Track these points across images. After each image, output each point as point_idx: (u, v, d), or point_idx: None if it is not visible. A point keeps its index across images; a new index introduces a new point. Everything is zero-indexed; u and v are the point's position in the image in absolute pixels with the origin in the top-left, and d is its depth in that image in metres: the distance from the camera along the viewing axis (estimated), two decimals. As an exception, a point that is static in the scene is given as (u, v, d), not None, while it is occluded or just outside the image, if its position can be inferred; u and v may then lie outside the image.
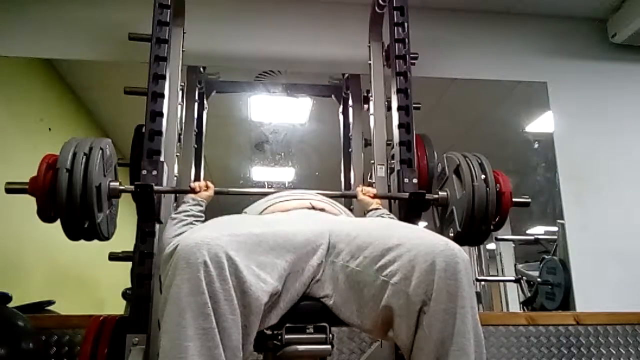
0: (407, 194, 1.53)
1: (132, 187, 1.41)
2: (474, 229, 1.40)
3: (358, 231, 1.09)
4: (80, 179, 1.22)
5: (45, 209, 1.23)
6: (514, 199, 1.44)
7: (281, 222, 1.17)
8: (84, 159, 1.24)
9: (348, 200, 2.15)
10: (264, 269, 0.96)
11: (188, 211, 1.41)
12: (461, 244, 1.45)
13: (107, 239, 1.37)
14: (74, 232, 1.27)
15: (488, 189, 1.39)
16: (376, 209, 1.57)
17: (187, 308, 0.85)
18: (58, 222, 1.26)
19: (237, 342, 0.89)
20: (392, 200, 1.68)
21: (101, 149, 1.28)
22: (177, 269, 0.88)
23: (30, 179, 1.24)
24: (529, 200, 1.52)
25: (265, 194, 1.47)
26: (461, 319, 0.91)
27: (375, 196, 1.61)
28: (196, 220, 1.40)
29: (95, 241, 1.34)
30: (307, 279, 1.05)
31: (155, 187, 1.42)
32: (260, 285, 0.93)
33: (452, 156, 1.49)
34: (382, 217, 1.54)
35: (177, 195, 1.73)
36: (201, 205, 1.46)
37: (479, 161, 1.45)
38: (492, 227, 1.43)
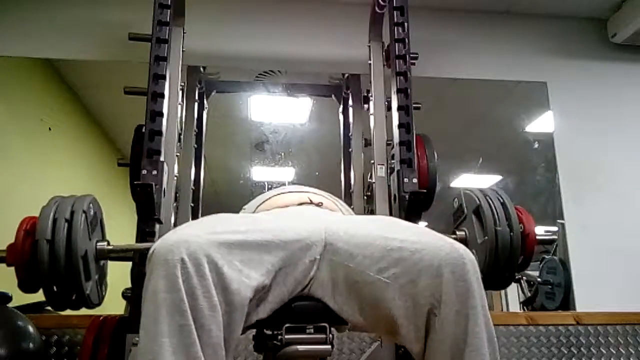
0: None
1: (121, 245, 1.32)
2: (497, 275, 1.31)
3: (357, 229, 1.08)
4: (63, 250, 1.09)
5: (27, 281, 1.11)
6: (538, 237, 1.34)
7: (272, 219, 1.16)
8: (65, 226, 1.11)
9: (348, 197, 2.16)
10: (248, 264, 0.95)
11: None
12: (485, 289, 1.41)
13: (98, 305, 1.28)
14: (60, 305, 1.16)
15: (512, 234, 1.29)
16: None
17: (163, 304, 0.85)
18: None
19: (217, 339, 0.88)
20: (392, 200, 1.68)
21: (84, 211, 1.16)
22: (154, 267, 0.88)
23: (7, 247, 1.12)
24: (555, 237, 1.43)
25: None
26: (474, 320, 0.91)
27: None
28: None
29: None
30: (300, 275, 1.03)
31: (147, 245, 1.30)
32: (243, 281, 0.92)
33: (471, 194, 1.39)
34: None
35: (177, 194, 1.73)
36: None
37: (501, 200, 1.34)
38: (516, 271, 1.34)
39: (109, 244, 1.28)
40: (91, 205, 1.21)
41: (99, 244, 1.24)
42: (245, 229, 1.00)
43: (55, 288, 1.12)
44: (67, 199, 1.18)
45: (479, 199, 1.35)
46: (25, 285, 1.13)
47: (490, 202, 1.34)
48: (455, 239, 1.40)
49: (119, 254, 1.47)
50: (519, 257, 1.31)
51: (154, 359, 0.83)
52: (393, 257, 0.99)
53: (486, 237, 1.30)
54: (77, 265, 1.11)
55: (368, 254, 1.02)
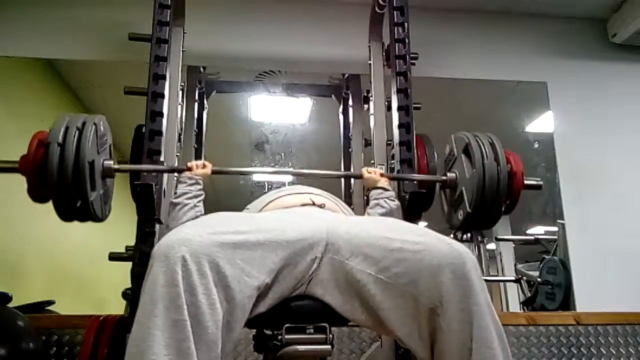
0: (414, 175, 1.51)
1: (127, 166, 1.39)
2: (484, 210, 1.34)
3: (357, 230, 1.08)
4: (73, 154, 1.16)
5: (37, 187, 1.17)
6: (525, 181, 1.37)
7: (274, 219, 1.16)
8: (76, 134, 1.18)
9: (348, 197, 2.16)
10: (250, 263, 0.96)
11: (188, 193, 1.36)
12: (471, 226, 1.42)
13: (101, 220, 1.32)
14: (66, 212, 1.22)
15: (499, 167, 1.32)
16: (384, 188, 1.51)
17: (160, 298, 0.86)
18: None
19: (213, 336, 0.88)
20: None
21: (94, 124, 1.23)
22: (155, 262, 0.89)
23: (20, 157, 1.19)
24: (541, 183, 1.45)
25: (263, 173, 1.41)
26: (479, 315, 0.92)
27: (382, 175, 1.55)
28: (198, 202, 1.36)
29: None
30: (300, 274, 1.04)
31: (150, 167, 1.39)
32: (244, 279, 0.93)
33: (461, 135, 1.42)
34: (382, 205, 1.48)
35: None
36: (199, 184, 1.40)
37: (490, 140, 1.38)
38: (503, 209, 1.36)
39: (115, 163, 1.33)
40: (102, 122, 1.29)
41: (105, 161, 1.30)
42: (247, 229, 1.01)
43: (61, 194, 1.17)
44: (79, 115, 1.24)
45: (468, 138, 1.39)
46: (35, 192, 1.18)
47: (479, 140, 1.37)
48: (445, 180, 1.45)
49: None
50: (505, 193, 1.33)
51: (144, 351, 0.83)
52: (394, 257, 1.00)
53: (474, 170, 1.33)
54: (84, 172, 1.17)
55: (369, 253, 1.02)
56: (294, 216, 1.18)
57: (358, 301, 1.03)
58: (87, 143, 1.19)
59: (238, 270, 0.93)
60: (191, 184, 1.40)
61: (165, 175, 1.57)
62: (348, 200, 2.14)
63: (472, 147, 1.36)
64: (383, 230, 1.08)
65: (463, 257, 0.96)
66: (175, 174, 1.74)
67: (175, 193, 1.39)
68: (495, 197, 1.32)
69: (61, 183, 1.16)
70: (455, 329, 0.92)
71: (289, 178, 2.41)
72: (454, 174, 1.46)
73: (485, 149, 1.35)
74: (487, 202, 1.33)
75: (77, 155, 1.17)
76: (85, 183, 1.18)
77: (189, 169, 1.44)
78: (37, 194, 1.19)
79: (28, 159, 1.17)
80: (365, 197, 2.07)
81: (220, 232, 0.96)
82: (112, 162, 1.33)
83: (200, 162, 1.46)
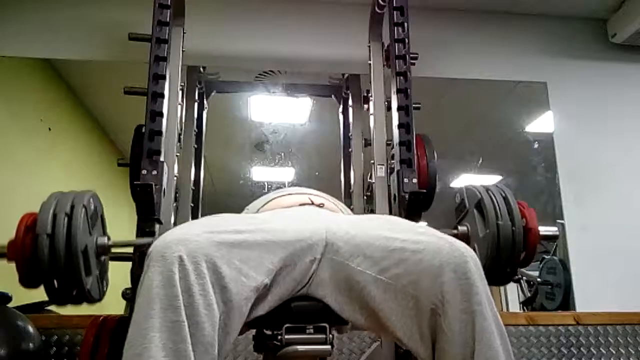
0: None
1: (122, 241, 1.34)
2: (499, 269, 1.29)
3: (357, 229, 1.08)
4: (63, 245, 1.09)
5: (28, 276, 1.11)
6: (541, 233, 1.31)
7: (273, 219, 1.16)
8: (65, 221, 1.11)
9: (348, 197, 2.16)
10: (248, 263, 0.95)
11: None
12: None
13: (99, 301, 1.27)
14: (60, 300, 1.16)
15: (514, 228, 1.27)
16: None
17: (157, 299, 0.85)
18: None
19: (210, 338, 0.87)
20: (392, 200, 1.68)
21: (84, 206, 1.15)
22: (151, 262, 0.88)
23: (8, 244, 1.11)
24: (557, 233, 1.40)
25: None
26: (481, 316, 0.91)
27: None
28: None
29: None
30: (300, 275, 1.03)
31: (143, 240, 1.35)
32: (242, 280, 0.92)
33: (473, 190, 1.37)
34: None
35: (177, 194, 1.73)
36: None
37: (503, 195, 1.32)
38: (518, 267, 1.32)
39: (109, 239, 1.27)
40: (91, 200, 1.21)
41: (99, 239, 1.24)
42: (245, 228, 1.00)
43: (55, 283, 1.11)
44: (67, 194, 1.17)
45: (480, 193, 1.33)
46: (26, 281, 1.13)
47: (492, 196, 1.32)
48: (456, 234, 1.40)
49: (120, 249, 1.47)
50: (521, 251, 1.29)
51: (141, 353, 0.82)
52: (394, 257, 0.99)
53: (488, 231, 1.29)
54: (78, 260, 1.11)
55: (369, 254, 1.02)
56: (293, 216, 1.18)
57: (358, 303, 1.03)
58: (77, 230, 1.11)
59: (236, 271, 0.92)
60: None
61: (165, 176, 1.57)
62: (348, 200, 2.14)
63: (485, 205, 1.31)
64: (383, 229, 1.07)
65: (464, 256, 0.95)
66: (177, 174, 1.74)
67: None
68: (511, 257, 1.27)
69: (54, 273, 1.10)
70: (456, 329, 0.92)
71: (289, 177, 2.41)
72: (465, 228, 1.40)
73: (499, 207, 1.29)
74: (502, 262, 1.28)
75: (69, 245, 1.10)
76: (80, 272, 1.12)
77: None
78: (29, 282, 1.13)
79: (16, 246, 1.10)
80: (364, 197, 2.08)
81: (218, 232, 0.95)
82: (106, 238, 1.26)
83: None
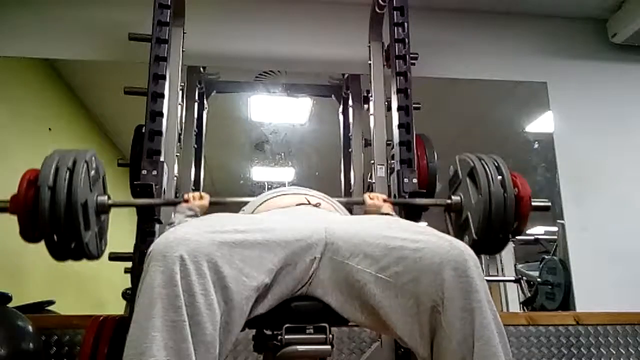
0: (417, 200, 1.50)
1: (122, 201, 1.36)
2: (491, 236, 1.30)
3: (357, 229, 1.08)
4: (64, 197, 1.12)
5: (28, 229, 1.14)
6: (533, 203, 1.34)
7: (273, 219, 1.16)
8: (67, 175, 1.14)
9: (348, 197, 2.16)
10: (248, 263, 0.95)
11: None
12: (478, 252, 1.39)
13: (97, 258, 1.30)
14: (59, 253, 1.19)
15: (506, 194, 1.28)
16: (387, 214, 1.49)
17: (158, 299, 0.85)
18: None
19: (211, 338, 0.87)
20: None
21: (86, 162, 1.18)
22: (152, 262, 0.88)
23: (11, 197, 1.15)
24: (549, 204, 1.41)
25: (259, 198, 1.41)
26: (481, 313, 0.91)
27: (385, 201, 1.53)
28: None
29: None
30: (300, 274, 1.03)
31: (145, 201, 1.37)
32: (242, 279, 0.92)
33: (466, 158, 1.38)
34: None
35: (177, 194, 1.73)
36: (197, 216, 1.40)
37: (495, 163, 1.34)
38: (510, 234, 1.33)
39: (110, 198, 1.30)
40: (93, 158, 1.24)
41: (99, 197, 1.26)
42: (246, 228, 1.00)
43: (55, 236, 1.14)
44: (69, 151, 1.20)
45: (473, 162, 1.34)
46: (27, 234, 1.16)
47: (485, 164, 1.33)
48: (450, 204, 1.42)
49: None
50: (513, 218, 1.30)
51: (143, 352, 0.82)
52: (394, 255, 0.99)
53: (480, 196, 1.29)
54: (77, 213, 1.13)
55: (369, 252, 1.02)
56: (293, 216, 1.18)
57: (358, 301, 1.03)
58: (79, 183, 1.14)
59: (236, 270, 0.92)
60: (188, 215, 1.40)
61: (165, 176, 1.57)
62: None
63: (477, 171, 1.32)
64: (382, 228, 1.07)
65: (464, 255, 0.95)
66: (176, 174, 1.74)
67: (171, 223, 1.38)
68: (503, 224, 1.29)
69: (54, 226, 1.12)
70: (456, 326, 0.92)
71: (289, 177, 2.41)
72: (458, 198, 1.42)
73: (491, 173, 1.30)
74: (494, 229, 1.29)
75: (69, 198, 1.12)
76: (79, 225, 1.15)
77: (186, 201, 1.44)
78: (29, 235, 1.16)
79: (19, 199, 1.13)
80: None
81: (219, 231, 0.95)
82: (105, 197, 1.29)
83: (197, 194, 1.47)
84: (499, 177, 1.30)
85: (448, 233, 1.54)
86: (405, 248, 0.99)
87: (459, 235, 1.43)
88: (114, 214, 1.43)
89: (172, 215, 1.42)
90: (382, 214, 1.49)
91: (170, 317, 0.84)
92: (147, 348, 0.82)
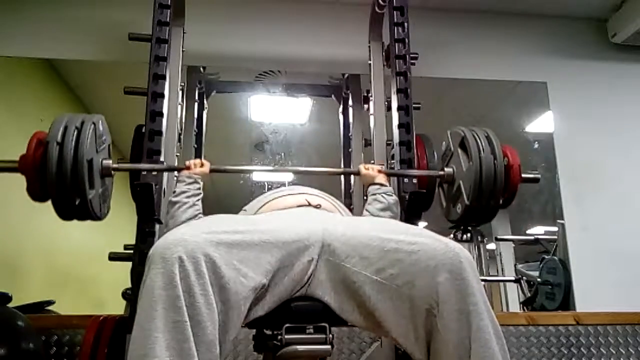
0: (411, 171, 1.53)
1: (126, 165, 1.40)
2: (482, 203, 1.34)
3: (354, 231, 1.08)
4: (71, 153, 1.18)
5: (36, 186, 1.19)
6: (523, 174, 1.38)
7: (271, 220, 1.16)
8: (75, 133, 1.20)
9: (348, 197, 2.16)
10: (246, 263, 0.96)
11: (186, 192, 1.39)
12: (470, 220, 1.44)
13: (100, 218, 1.34)
14: (65, 210, 1.23)
15: (496, 161, 1.34)
16: (381, 184, 1.52)
17: (159, 300, 0.86)
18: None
19: (212, 337, 0.88)
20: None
21: (93, 123, 1.25)
22: (152, 264, 0.89)
23: (20, 157, 1.21)
24: (539, 176, 1.46)
25: (261, 171, 1.42)
26: (477, 316, 0.92)
27: (380, 171, 1.56)
28: (197, 200, 1.39)
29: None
30: (297, 275, 1.04)
31: (148, 166, 1.40)
32: (240, 280, 0.93)
33: (457, 130, 1.44)
34: (380, 200, 1.49)
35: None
36: (198, 183, 1.43)
37: (486, 134, 1.40)
38: (501, 202, 1.37)
39: (114, 163, 1.34)
40: (100, 121, 1.30)
41: (104, 160, 1.32)
42: (244, 229, 1.01)
43: (60, 193, 1.18)
44: (78, 114, 1.26)
45: (464, 132, 1.40)
46: (34, 192, 1.20)
47: (475, 134, 1.39)
48: (442, 175, 1.47)
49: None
50: (503, 185, 1.34)
51: (146, 354, 0.83)
52: (390, 258, 0.99)
53: (471, 163, 1.34)
54: (82, 170, 1.19)
55: (365, 254, 1.02)
56: (291, 217, 1.18)
57: (355, 302, 1.03)
58: (85, 142, 1.20)
59: (234, 271, 0.93)
60: (190, 183, 1.42)
61: (165, 175, 1.57)
62: (348, 200, 2.14)
63: (468, 140, 1.38)
64: (379, 230, 1.08)
65: (459, 257, 0.95)
66: (175, 172, 1.74)
67: (174, 192, 1.40)
68: (493, 190, 1.34)
69: (60, 182, 1.17)
70: (452, 329, 0.92)
71: (289, 177, 2.41)
72: (451, 169, 1.48)
73: (481, 142, 1.37)
74: (485, 195, 1.34)
75: (76, 154, 1.18)
76: (83, 181, 1.19)
77: (188, 168, 1.46)
78: (36, 193, 1.20)
79: (27, 158, 1.19)
80: (365, 197, 2.08)
81: (216, 232, 0.96)
82: (110, 161, 1.34)
83: (198, 161, 1.49)
84: (489, 147, 1.35)
85: (442, 206, 1.56)
86: (400, 250, 0.99)
87: (452, 204, 1.47)
88: (113, 213, 1.43)
89: (174, 185, 1.45)
90: (376, 184, 1.52)
91: (172, 317, 0.85)
92: (150, 349, 0.83)
